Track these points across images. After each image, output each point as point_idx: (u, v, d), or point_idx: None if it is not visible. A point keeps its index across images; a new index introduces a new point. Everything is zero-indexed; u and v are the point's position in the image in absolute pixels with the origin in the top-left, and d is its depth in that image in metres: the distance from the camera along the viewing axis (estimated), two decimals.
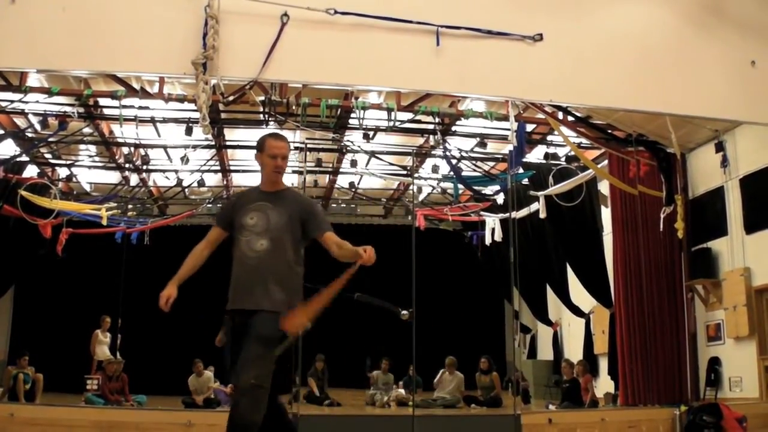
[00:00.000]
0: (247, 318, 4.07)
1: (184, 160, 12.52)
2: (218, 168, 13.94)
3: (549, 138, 12.52)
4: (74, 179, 14.52)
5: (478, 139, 12.17)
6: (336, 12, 6.25)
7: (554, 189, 11.92)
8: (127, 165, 13.53)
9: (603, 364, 13.30)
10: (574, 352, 14.58)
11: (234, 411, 3.85)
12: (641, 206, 11.43)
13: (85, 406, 10.20)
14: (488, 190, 14.33)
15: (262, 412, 3.85)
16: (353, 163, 12.88)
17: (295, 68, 6.42)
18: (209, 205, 15.08)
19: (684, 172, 11.60)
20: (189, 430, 7.95)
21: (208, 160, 13.29)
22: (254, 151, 4.47)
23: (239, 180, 14.92)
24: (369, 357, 14.77)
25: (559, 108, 10.16)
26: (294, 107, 9.90)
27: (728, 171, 10.71)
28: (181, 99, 9.85)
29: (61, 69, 6.96)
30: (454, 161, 12.07)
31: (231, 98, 9.51)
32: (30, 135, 11.86)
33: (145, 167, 13.53)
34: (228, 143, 12.86)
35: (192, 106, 9.71)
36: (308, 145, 10.91)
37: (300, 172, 13.52)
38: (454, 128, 12.00)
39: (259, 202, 4.28)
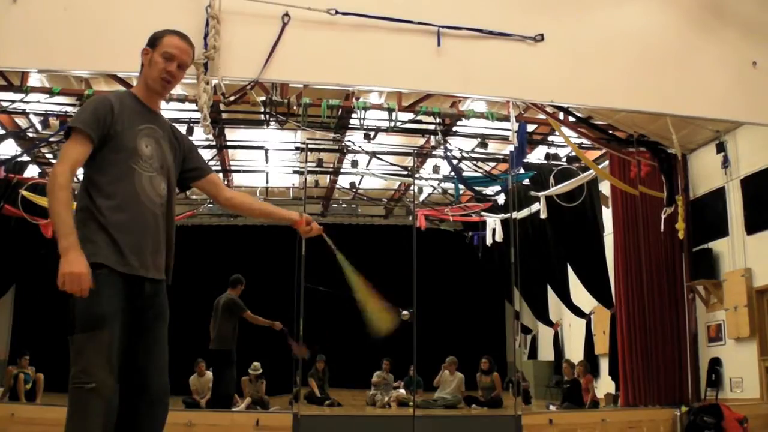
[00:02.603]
0: (153, 290, 3.17)
1: None
2: (219, 168, 13.94)
3: (550, 138, 12.53)
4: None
5: (479, 139, 12.17)
6: (337, 12, 6.25)
7: (555, 189, 11.92)
8: None
9: (604, 365, 13.29)
10: (574, 352, 14.58)
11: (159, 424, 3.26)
12: (642, 207, 11.43)
13: None
14: (489, 190, 14.35)
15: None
16: (354, 164, 12.89)
17: (296, 68, 6.43)
18: (210, 206, 15.08)
19: (685, 172, 11.59)
20: (190, 430, 7.95)
21: (209, 160, 13.28)
22: (143, 49, 3.30)
23: (240, 180, 14.93)
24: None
25: (560, 108, 10.16)
26: (295, 107, 9.90)
27: (729, 172, 10.70)
28: (182, 99, 9.85)
29: (63, 69, 6.97)
30: (455, 161, 12.07)
31: (232, 98, 9.52)
32: (31, 135, 11.87)
33: None
34: (229, 143, 12.87)
35: (193, 106, 9.71)
36: (309, 146, 10.93)
37: (301, 173, 13.53)
38: (455, 128, 12.00)
39: (148, 124, 3.13)
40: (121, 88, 9.73)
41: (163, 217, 3.09)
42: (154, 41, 3.22)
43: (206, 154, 13.01)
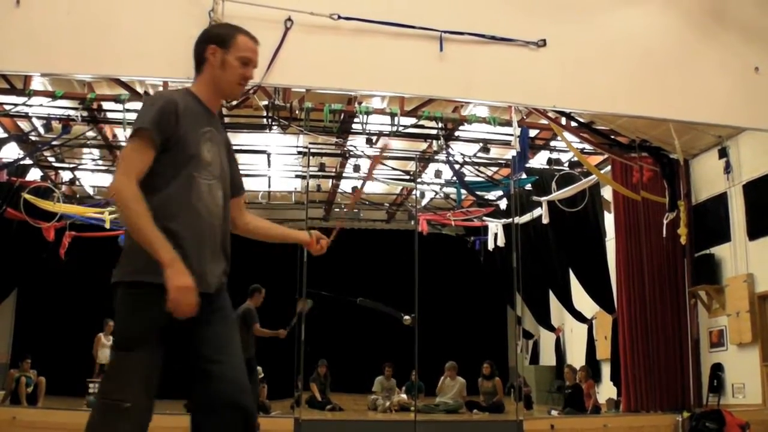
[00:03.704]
0: (214, 300, 2.84)
1: None
2: None
3: (552, 143, 12.52)
4: (77, 183, 14.53)
5: (481, 144, 12.17)
6: (339, 17, 6.26)
7: (557, 194, 11.91)
8: None
9: (605, 370, 13.27)
10: (576, 357, 14.56)
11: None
12: (644, 212, 11.43)
13: (87, 410, 10.17)
14: (491, 195, 14.33)
15: None
16: (356, 168, 12.89)
17: (299, 73, 6.43)
18: None
19: (687, 178, 11.59)
20: None
21: None
22: (206, 45, 2.92)
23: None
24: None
25: (563, 114, 10.16)
26: (297, 112, 9.91)
27: (731, 177, 10.70)
28: None
29: (65, 72, 6.99)
30: (457, 166, 12.07)
31: (234, 103, 9.53)
32: (33, 138, 11.87)
33: None
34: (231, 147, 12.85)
35: None
36: (311, 150, 10.92)
37: (303, 177, 13.54)
38: (457, 133, 12.00)
39: (209, 127, 2.89)
40: (124, 92, 9.75)
41: (220, 227, 2.87)
42: (225, 41, 2.91)
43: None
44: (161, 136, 2.66)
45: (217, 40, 2.91)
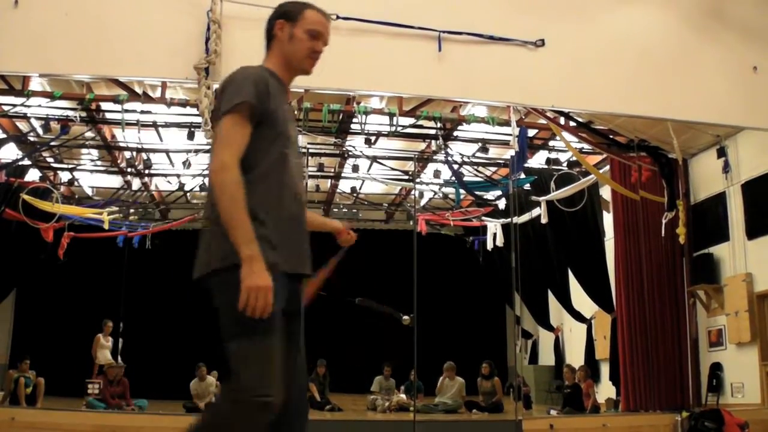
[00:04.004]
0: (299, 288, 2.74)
1: (186, 164, 12.53)
2: None
3: (551, 143, 12.53)
4: (76, 183, 14.53)
5: (479, 144, 12.18)
6: (338, 17, 6.25)
7: (556, 194, 11.92)
8: (129, 169, 13.55)
9: (604, 370, 13.27)
10: (575, 357, 14.57)
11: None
12: (643, 211, 11.43)
13: (86, 411, 10.20)
14: (490, 195, 14.33)
15: None
16: (355, 168, 12.89)
17: None
18: None
19: (686, 177, 11.60)
20: None
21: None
22: (275, 21, 2.91)
23: None
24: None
25: (561, 113, 10.17)
26: (296, 112, 9.91)
27: (730, 176, 10.71)
28: (183, 103, 9.86)
29: (64, 73, 6.99)
30: (455, 166, 12.08)
31: None
32: (32, 139, 11.88)
33: (147, 171, 13.55)
34: None
35: (194, 110, 9.73)
36: (310, 150, 10.93)
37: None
38: (455, 133, 12.01)
39: (288, 104, 2.91)
40: (123, 92, 9.75)
41: (305, 206, 2.79)
42: (293, 15, 2.85)
43: (207, 159, 13.00)
44: (260, 110, 2.58)
45: (286, 15, 2.87)
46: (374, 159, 12.41)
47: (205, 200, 2.61)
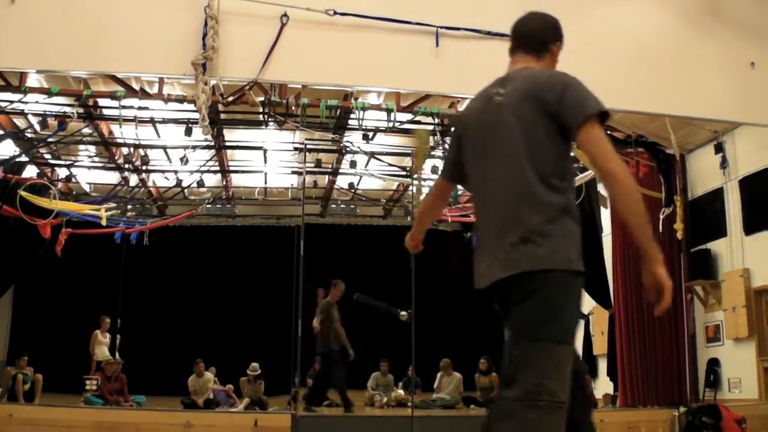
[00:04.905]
0: None
1: (184, 160, 12.52)
2: (218, 168, 13.93)
3: None
4: (74, 179, 14.52)
5: None
6: (335, 13, 6.25)
7: None
8: (126, 165, 13.54)
9: (602, 365, 13.29)
10: None
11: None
12: None
13: (84, 407, 10.21)
14: None
15: None
16: (353, 164, 12.88)
17: (295, 69, 6.43)
18: (208, 206, 15.08)
19: (683, 173, 11.61)
20: (188, 430, 7.96)
21: (207, 161, 13.28)
22: (557, 41, 3.05)
23: (239, 180, 14.92)
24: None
25: None
26: (293, 108, 9.90)
27: (727, 172, 10.71)
28: (180, 99, 9.85)
29: (61, 69, 6.97)
30: None
31: (230, 99, 9.51)
32: (29, 135, 11.85)
33: (144, 168, 13.53)
34: (227, 144, 12.85)
35: (191, 106, 9.69)
36: (308, 146, 10.91)
37: (299, 173, 13.53)
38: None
39: None
40: (120, 88, 9.73)
41: None
42: (562, 40, 3.06)
43: (205, 155, 13.02)
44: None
45: (561, 39, 3.03)
46: (372, 155, 12.40)
47: (519, 194, 2.62)
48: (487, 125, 2.79)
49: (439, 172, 3.23)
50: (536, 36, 3.02)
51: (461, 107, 10.85)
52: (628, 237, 2.40)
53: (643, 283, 2.59)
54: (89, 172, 14.36)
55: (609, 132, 11.23)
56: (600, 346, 13.42)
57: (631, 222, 2.52)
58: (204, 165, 13.36)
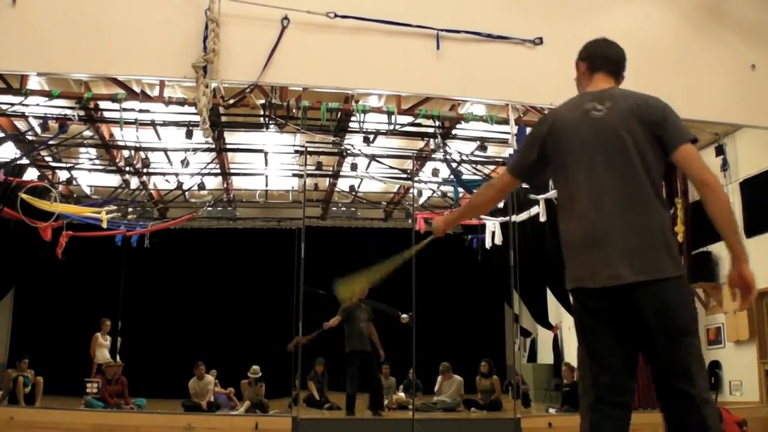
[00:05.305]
0: None
1: (185, 163, 12.52)
2: (218, 171, 13.94)
3: None
4: (74, 182, 14.52)
5: (478, 142, 12.16)
6: (336, 15, 6.26)
7: (554, 192, 11.91)
8: (127, 168, 13.53)
9: None
10: (574, 355, 14.49)
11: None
12: None
13: (84, 410, 10.20)
14: None
15: None
16: (353, 167, 12.88)
17: (296, 71, 6.44)
18: (209, 208, 15.09)
19: (684, 175, 11.58)
20: None
21: (208, 163, 13.29)
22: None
23: (239, 183, 14.93)
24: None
25: None
26: (294, 110, 9.89)
27: (728, 174, 10.72)
28: (181, 102, 9.84)
29: (62, 72, 6.98)
30: (454, 164, 12.07)
31: (231, 101, 9.50)
32: (30, 138, 11.86)
33: (145, 170, 13.53)
34: (228, 146, 12.86)
35: (192, 109, 9.70)
36: (308, 149, 10.91)
37: (300, 175, 13.53)
38: (454, 131, 12.00)
39: None
40: (121, 91, 9.73)
41: None
42: None
43: (205, 157, 13.02)
44: None
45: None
46: (373, 157, 12.40)
47: (646, 204, 3.01)
48: (594, 136, 3.09)
49: (509, 168, 3.42)
50: (621, 64, 3.65)
51: (461, 109, 10.85)
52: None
53: (729, 280, 2.92)
54: (90, 175, 14.37)
55: None
56: None
57: (724, 225, 2.94)
58: (205, 168, 13.37)
